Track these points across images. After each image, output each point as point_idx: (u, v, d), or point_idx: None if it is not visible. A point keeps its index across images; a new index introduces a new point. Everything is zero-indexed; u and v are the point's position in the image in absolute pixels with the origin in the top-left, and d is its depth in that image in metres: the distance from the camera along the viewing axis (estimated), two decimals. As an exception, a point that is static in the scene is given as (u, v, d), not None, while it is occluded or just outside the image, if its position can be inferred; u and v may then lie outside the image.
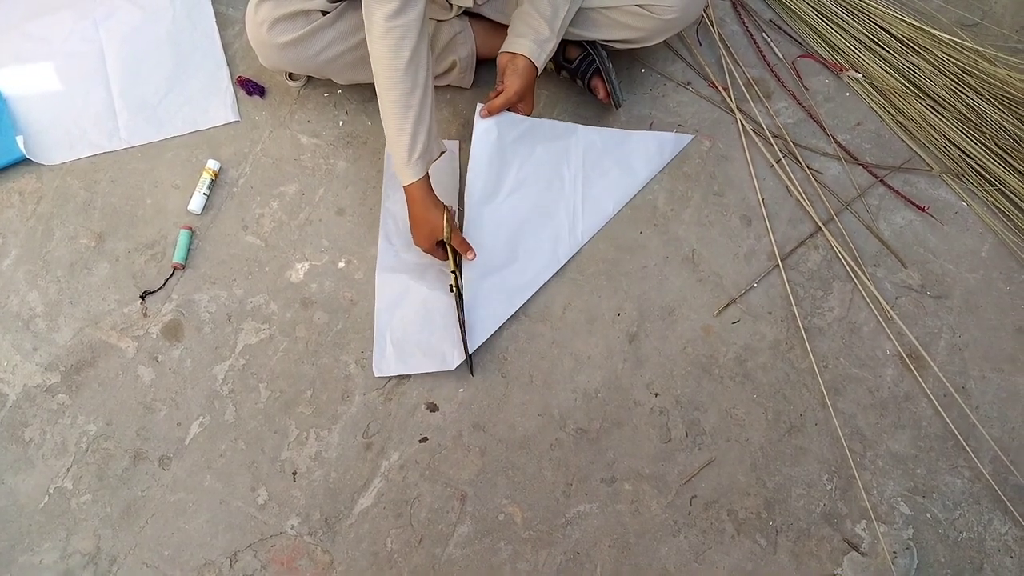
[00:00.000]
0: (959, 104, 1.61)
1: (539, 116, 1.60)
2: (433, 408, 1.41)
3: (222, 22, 1.65)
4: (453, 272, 1.39)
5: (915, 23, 1.67)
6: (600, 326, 1.47)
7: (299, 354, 1.43)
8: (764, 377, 1.45)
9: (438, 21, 1.49)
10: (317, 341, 1.44)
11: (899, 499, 1.39)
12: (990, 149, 1.58)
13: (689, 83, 1.67)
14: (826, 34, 1.69)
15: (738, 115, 1.63)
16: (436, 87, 1.59)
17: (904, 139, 1.63)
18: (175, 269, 1.46)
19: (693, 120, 1.63)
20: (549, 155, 1.52)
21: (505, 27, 1.50)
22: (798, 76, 1.69)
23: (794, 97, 1.67)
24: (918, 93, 1.64)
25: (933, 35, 1.66)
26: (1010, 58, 1.63)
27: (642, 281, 1.50)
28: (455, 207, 1.50)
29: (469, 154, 1.46)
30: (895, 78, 1.65)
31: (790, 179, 1.58)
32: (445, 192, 1.49)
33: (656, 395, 1.43)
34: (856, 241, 1.54)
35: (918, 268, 1.53)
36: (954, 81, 1.63)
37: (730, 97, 1.64)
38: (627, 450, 1.40)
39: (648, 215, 1.55)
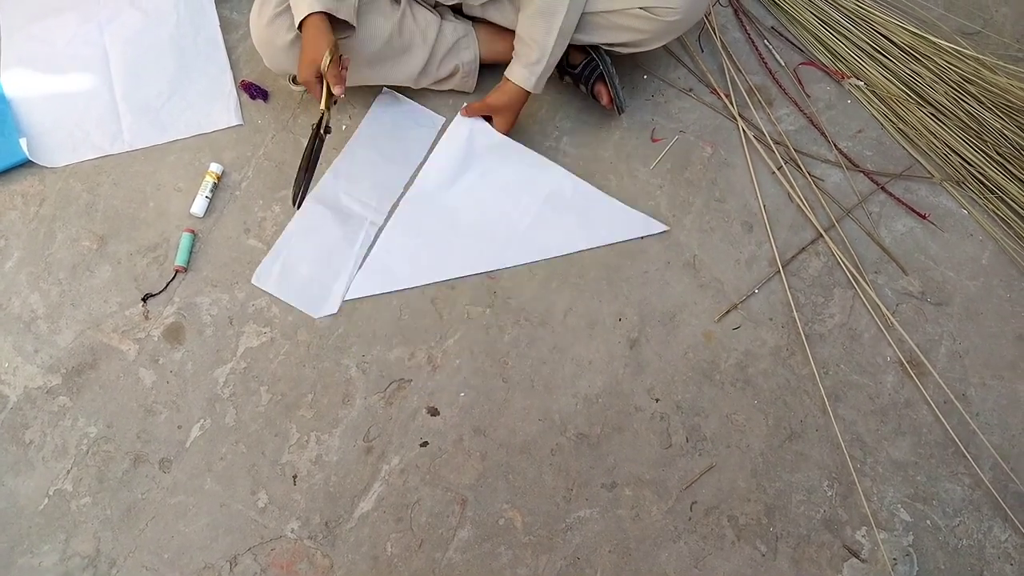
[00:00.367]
0: (960, 112, 1.62)
1: (542, 122, 1.61)
2: (434, 412, 1.41)
3: (226, 26, 1.66)
4: (322, 111, 1.35)
5: (916, 31, 1.67)
6: (601, 331, 1.47)
7: (300, 357, 1.43)
8: (765, 383, 1.45)
9: (441, 21, 1.49)
10: (318, 345, 1.44)
11: (899, 506, 1.39)
12: (991, 157, 1.59)
13: (691, 90, 1.67)
14: (828, 41, 1.70)
15: (740, 122, 1.63)
16: (439, 91, 1.60)
17: (905, 146, 1.64)
18: (177, 272, 1.46)
19: (695, 126, 1.64)
20: (515, 177, 1.54)
21: (509, 32, 1.50)
22: (800, 83, 1.69)
23: (796, 104, 1.67)
24: (919, 101, 1.64)
25: (934, 43, 1.66)
26: (1011, 66, 1.64)
27: (643, 286, 1.50)
28: (409, 171, 1.52)
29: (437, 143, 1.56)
30: (896, 86, 1.65)
31: (791, 186, 1.59)
32: (406, 158, 1.57)
33: (657, 400, 1.43)
34: (857, 248, 1.55)
35: (919, 275, 1.54)
36: (955, 89, 1.63)
37: (732, 104, 1.65)
38: (628, 455, 1.40)
39: (649, 221, 1.55)
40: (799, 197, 1.58)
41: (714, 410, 1.43)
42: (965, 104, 1.62)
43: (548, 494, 1.37)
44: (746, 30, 1.73)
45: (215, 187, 1.52)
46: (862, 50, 1.69)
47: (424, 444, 1.39)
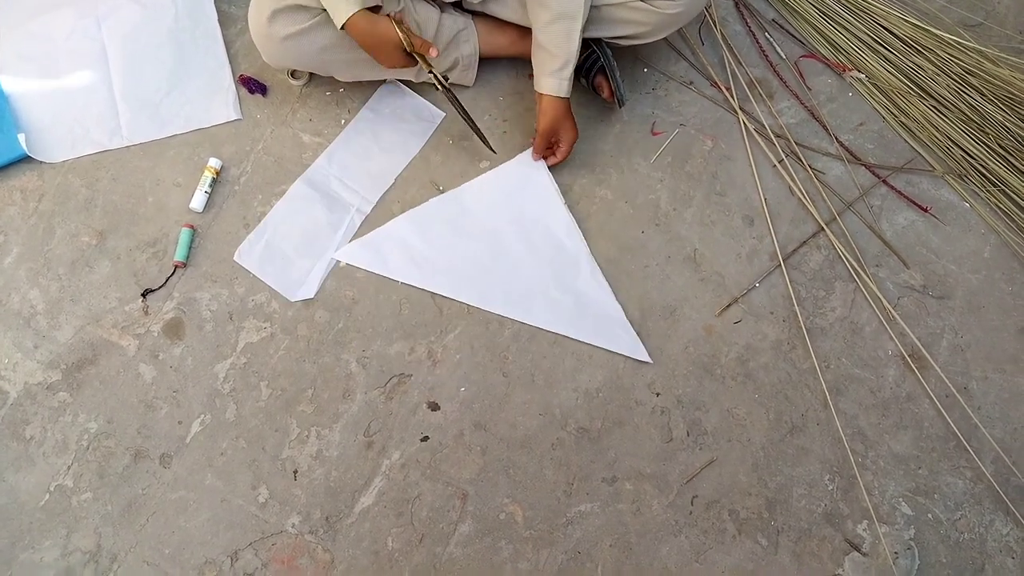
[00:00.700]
0: (962, 104, 1.61)
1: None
2: (434, 407, 1.41)
3: (224, 20, 1.65)
4: (430, 72, 1.38)
5: (918, 23, 1.67)
6: (602, 325, 1.47)
7: (300, 352, 1.43)
8: (766, 377, 1.45)
9: (440, 13, 1.49)
10: (318, 339, 1.43)
11: (901, 499, 1.38)
12: (993, 150, 1.58)
13: (692, 83, 1.66)
14: (829, 34, 1.69)
15: (740, 115, 1.63)
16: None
17: (907, 139, 1.63)
18: (176, 267, 1.46)
19: (695, 119, 1.63)
20: (541, 236, 1.51)
21: (509, 25, 1.50)
22: (801, 76, 1.68)
23: (797, 97, 1.66)
24: (921, 93, 1.64)
25: (936, 35, 1.65)
26: (1013, 58, 1.63)
27: (644, 280, 1.50)
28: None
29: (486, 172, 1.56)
30: (898, 78, 1.64)
31: (792, 179, 1.58)
32: (403, 150, 1.57)
33: (657, 395, 1.43)
34: (858, 241, 1.54)
35: (920, 268, 1.53)
36: (957, 81, 1.62)
37: (732, 97, 1.64)
38: (628, 450, 1.40)
39: (650, 214, 1.55)
40: (800, 190, 1.57)
41: (715, 404, 1.43)
42: (967, 96, 1.61)
43: (549, 488, 1.37)
44: (747, 23, 1.73)
45: (214, 182, 1.51)
46: (863, 42, 1.68)
47: (425, 439, 1.39)
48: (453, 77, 1.57)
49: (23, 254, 1.47)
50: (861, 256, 1.53)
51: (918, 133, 1.63)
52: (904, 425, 1.43)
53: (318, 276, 1.47)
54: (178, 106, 1.58)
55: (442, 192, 1.54)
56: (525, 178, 1.54)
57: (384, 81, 1.61)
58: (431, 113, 1.60)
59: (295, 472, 1.36)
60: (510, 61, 1.61)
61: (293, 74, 1.56)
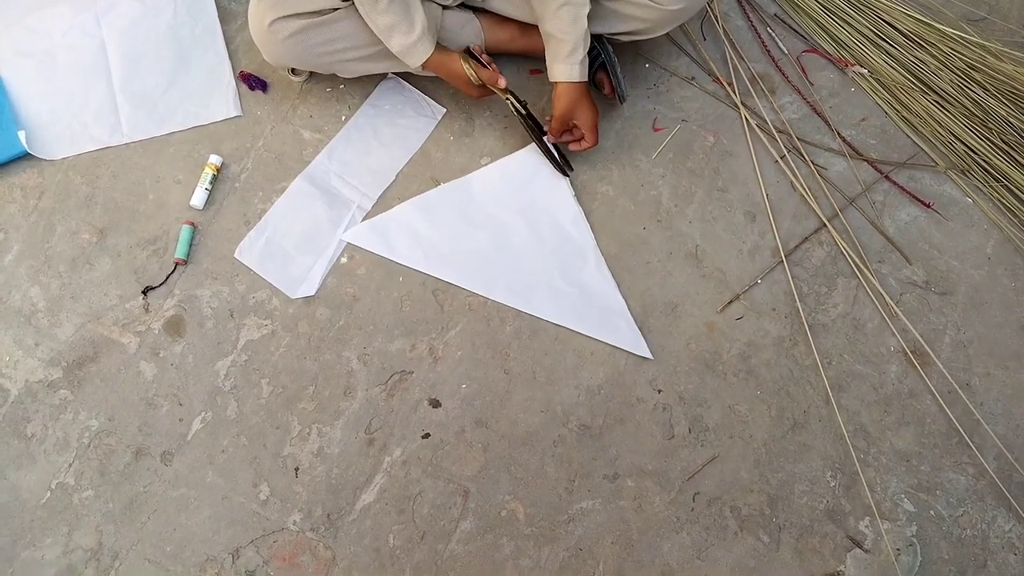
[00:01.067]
0: (965, 100, 1.60)
1: (541, 111, 1.59)
2: (435, 404, 1.41)
3: (224, 16, 1.64)
4: (507, 98, 1.43)
5: (921, 18, 1.66)
6: (603, 322, 1.47)
7: (301, 350, 1.42)
8: (767, 373, 1.45)
9: (444, 9, 1.48)
10: (319, 337, 1.43)
11: (903, 496, 1.38)
12: (996, 145, 1.58)
13: (693, 78, 1.66)
14: (831, 29, 1.68)
15: (742, 110, 1.62)
16: (440, 83, 1.59)
17: (909, 135, 1.63)
18: (177, 264, 1.46)
19: (697, 115, 1.62)
20: (549, 227, 1.51)
21: (510, 20, 1.49)
22: (803, 71, 1.68)
23: (799, 92, 1.66)
24: (924, 88, 1.63)
25: (939, 30, 1.64)
26: (1016, 53, 1.62)
27: (645, 277, 1.50)
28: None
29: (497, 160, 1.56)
30: (900, 73, 1.64)
31: (794, 175, 1.58)
32: (403, 146, 1.57)
33: (659, 391, 1.43)
34: (861, 237, 1.54)
35: (923, 264, 1.53)
36: (960, 76, 1.62)
37: (734, 92, 1.63)
38: (630, 446, 1.39)
39: (652, 211, 1.54)
40: (802, 186, 1.56)
41: (716, 401, 1.43)
42: (970, 91, 1.60)
43: (550, 485, 1.37)
44: (749, 18, 1.72)
45: (214, 179, 1.51)
46: (866, 37, 1.67)
47: (426, 436, 1.39)
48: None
49: (23, 251, 1.46)
50: (863, 252, 1.52)
51: (921, 128, 1.62)
52: (906, 421, 1.42)
53: (319, 273, 1.46)
54: (178, 102, 1.57)
55: None
56: (534, 168, 1.54)
57: (385, 76, 1.60)
58: (432, 109, 1.60)
59: (296, 469, 1.36)
60: (511, 58, 1.60)
61: (293, 71, 1.55)
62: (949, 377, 1.44)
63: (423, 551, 1.33)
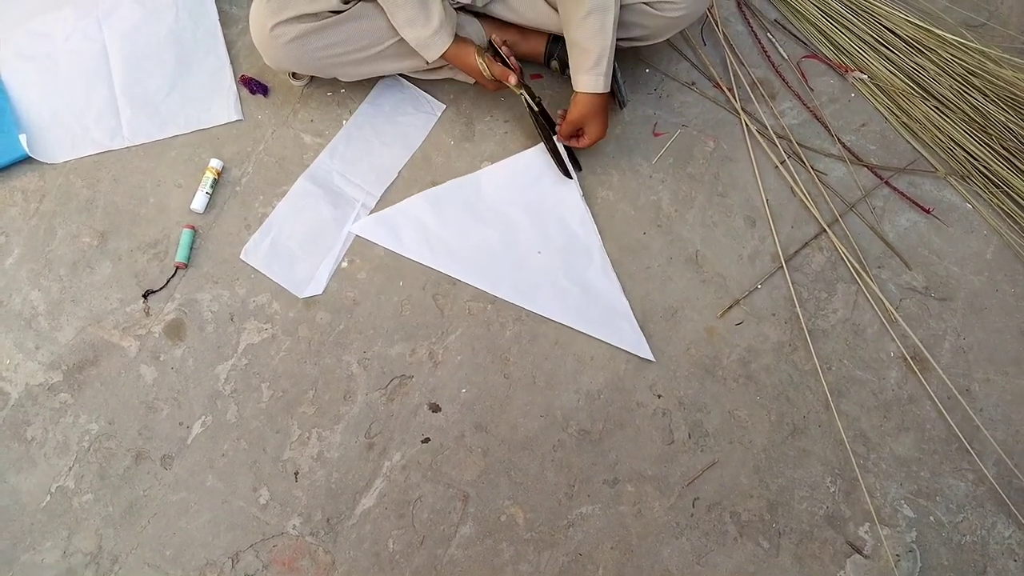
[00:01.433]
0: (964, 105, 1.61)
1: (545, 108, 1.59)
2: (435, 408, 1.41)
3: (225, 20, 1.65)
4: (521, 93, 1.45)
5: (920, 24, 1.66)
6: (603, 327, 1.47)
7: (301, 354, 1.43)
8: (767, 379, 1.45)
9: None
10: (319, 341, 1.43)
11: (902, 502, 1.38)
12: (995, 151, 1.58)
13: (694, 83, 1.66)
14: (831, 35, 1.69)
15: (742, 116, 1.62)
16: (438, 80, 1.60)
17: (909, 140, 1.63)
18: (177, 268, 1.46)
19: (697, 120, 1.63)
20: (556, 226, 1.51)
21: (511, 25, 1.50)
22: (803, 77, 1.68)
23: (799, 98, 1.66)
24: (923, 94, 1.63)
25: (939, 36, 1.65)
26: (1016, 59, 1.63)
27: (645, 282, 1.50)
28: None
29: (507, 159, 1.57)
30: (900, 79, 1.64)
31: (794, 180, 1.58)
32: (404, 143, 1.57)
33: (659, 396, 1.43)
34: (860, 243, 1.54)
35: (922, 270, 1.53)
36: (960, 82, 1.62)
37: (734, 98, 1.64)
38: (630, 451, 1.40)
39: (652, 216, 1.55)
40: (802, 192, 1.57)
41: (716, 406, 1.43)
42: (970, 97, 1.61)
43: (550, 490, 1.37)
44: (749, 23, 1.72)
45: (215, 183, 1.51)
46: (866, 43, 1.67)
47: (426, 440, 1.39)
48: (461, 78, 1.57)
49: (24, 255, 1.47)
50: (863, 257, 1.52)
51: (920, 134, 1.62)
52: (906, 427, 1.42)
53: (326, 272, 1.47)
54: (179, 106, 1.57)
55: None
56: (542, 167, 1.55)
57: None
58: (431, 105, 1.60)
59: (296, 473, 1.36)
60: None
61: (294, 75, 1.56)
62: (949, 383, 1.44)
63: (423, 556, 1.33)
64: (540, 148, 1.55)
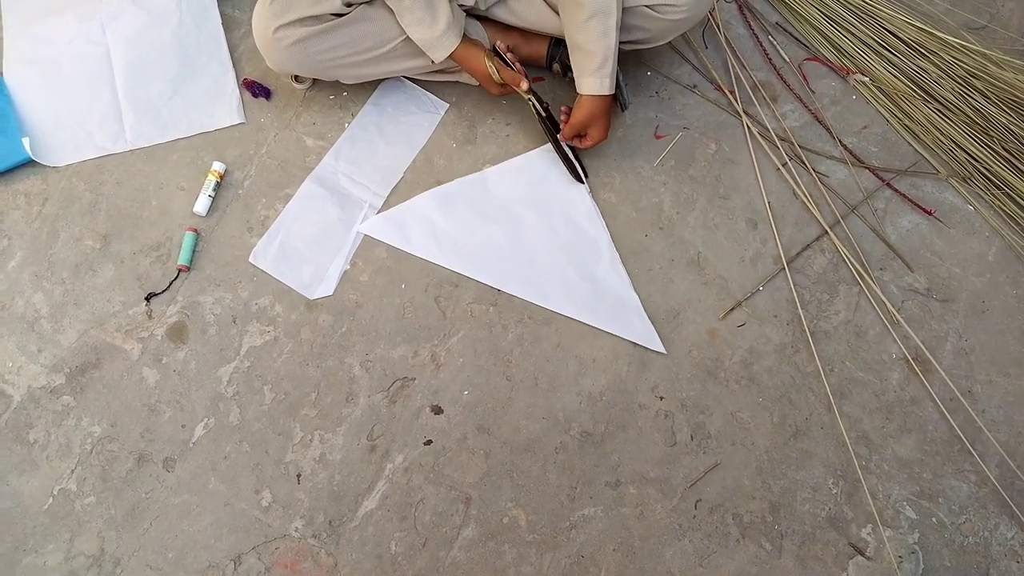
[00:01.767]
0: (966, 107, 1.61)
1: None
2: (438, 411, 1.41)
3: (228, 24, 1.65)
4: (528, 99, 1.44)
5: (922, 26, 1.66)
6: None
7: (304, 356, 1.43)
8: (769, 381, 1.45)
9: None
10: (322, 343, 1.43)
11: (905, 503, 1.38)
12: (997, 153, 1.58)
13: (695, 86, 1.66)
14: (832, 37, 1.69)
15: (744, 118, 1.62)
16: (442, 84, 1.60)
17: (911, 142, 1.63)
18: (180, 271, 1.46)
19: (699, 123, 1.63)
20: (563, 223, 1.52)
21: (513, 28, 1.50)
22: (804, 79, 1.68)
23: (800, 100, 1.66)
24: (925, 96, 1.63)
25: (940, 38, 1.65)
26: (1017, 61, 1.63)
27: (647, 284, 1.50)
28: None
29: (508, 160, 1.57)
30: (902, 81, 1.64)
31: (796, 182, 1.58)
32: (408, 142, 1.58)
33: (661, 398, 1.43)
34: (862, 245, 1.54)
35: (924, 272, 1.53)
36: (961, 84, 1.62)
37: (736, 100, 1.64)
38: (632, 453, 1.39)
39: (654, 218, 1.55)
40: (804, 194, 1.57)
41: (718, 408, 1.43)
42: (971, 99, 1.61)
43: (552, 492, 1.37)
44: (750, 26, 1.73)
45: (218, 186, 1.51)
46: (867, 45, 1.68)
47: (428, 442, 1.39)
48: (464, 79, 1.57)
49: (27, 258, 1.47)
50: (865, 259, 1.52)
51: (922, 136, 1.62)
52: (908, 429, 1.42)
53: (336, 274, 1.47)
54: (182, 110, 1.58)
55: None
56: (549, 166, 1.56)
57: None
58: (434, 104, 1.61)
59: (298, 476, 1.36)
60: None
61: (297, 78, 1.56)
62: (951, 384, 1.44)
63: (425, 558, 1.33)
64: (546, 148, 1.56)
